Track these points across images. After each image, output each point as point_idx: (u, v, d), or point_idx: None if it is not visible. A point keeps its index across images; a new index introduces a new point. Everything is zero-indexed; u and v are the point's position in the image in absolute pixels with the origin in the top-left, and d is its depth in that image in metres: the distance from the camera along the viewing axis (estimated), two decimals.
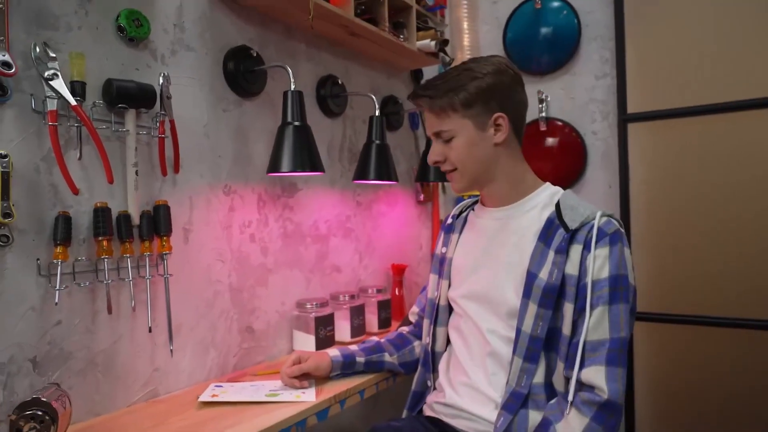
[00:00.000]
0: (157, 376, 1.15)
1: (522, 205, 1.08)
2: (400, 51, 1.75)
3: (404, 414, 1.22)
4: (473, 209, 1.20)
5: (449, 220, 1.24)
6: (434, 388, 1.16)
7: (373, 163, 1.52)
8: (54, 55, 0.95)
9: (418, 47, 1.78)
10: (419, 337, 1.29)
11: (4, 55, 0.89)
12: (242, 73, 1.33)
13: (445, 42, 1.90)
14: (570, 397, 0.92)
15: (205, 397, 1.10)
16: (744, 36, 1.77)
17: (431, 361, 1.17)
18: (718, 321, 1.83)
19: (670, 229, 1.94)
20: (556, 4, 2.16)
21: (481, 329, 1.06)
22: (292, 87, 1.26)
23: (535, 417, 0.96)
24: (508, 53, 2.24)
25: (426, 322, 1.21)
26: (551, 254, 0.98)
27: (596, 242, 0.95)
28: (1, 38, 0.89)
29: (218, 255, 1.29)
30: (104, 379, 1.05)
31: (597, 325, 0.92)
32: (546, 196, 1.07)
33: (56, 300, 0.94)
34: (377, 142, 1.54)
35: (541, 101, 2.15)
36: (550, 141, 2.18)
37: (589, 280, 0.94)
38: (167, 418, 1.02)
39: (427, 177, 1.83)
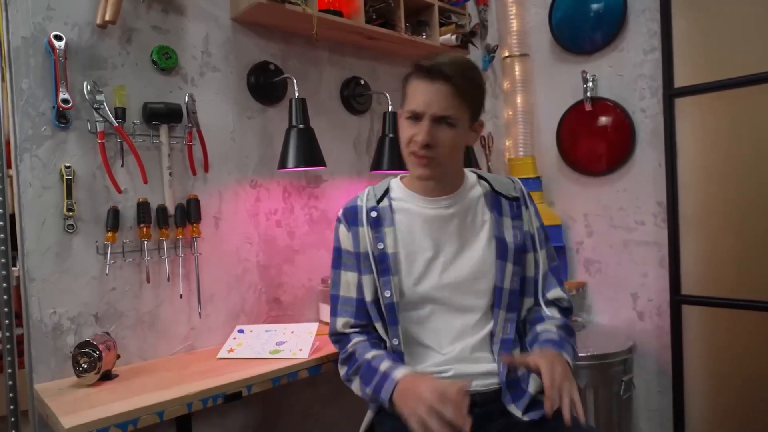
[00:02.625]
0: (193, 333, 1.45)
1: (464, 190, 1.20)
2: (423, 47, 1.87)
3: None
4: (391, 199, 1.19)
5: (373, 213, 1.17)
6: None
7: (387, 155, 1.69)
8: (101, 90, 1.28)
9: (441, 42, 1.89)
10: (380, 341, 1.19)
11: (64, 94, 1.22)
12: (263, 85, 1.57)
13: (473, 33, 1.98)
14: (545, 311, 1.21)
15: (223, 353, 1.38)
16: None
17: (402, 360, 1.14)
18: None
19: (722, 209, 1.83)
20: None
21: (460, 309, 1.15)
22: (296, 95, 1.47)
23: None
24: (556, 34, 2.22)
25: (380, 326, 1.16)
26: (507, 220, 1.20)
27: (528, 200, 1.24)
28: (63, 81, 1.23)
29: (246, 238, 1.56)
30: (150, 333, 1.37)
31: (544, 261, 1.23)
32: (469, 175, 1.24)
33: (107, 272, 1.28)
34: (390, 135, 1.69)
35: (585, 81, 2.12)
36: (599, 121, 2.14)
37: (534, 230, 1.23)
38: (192, 364, 1.32)
39: None
